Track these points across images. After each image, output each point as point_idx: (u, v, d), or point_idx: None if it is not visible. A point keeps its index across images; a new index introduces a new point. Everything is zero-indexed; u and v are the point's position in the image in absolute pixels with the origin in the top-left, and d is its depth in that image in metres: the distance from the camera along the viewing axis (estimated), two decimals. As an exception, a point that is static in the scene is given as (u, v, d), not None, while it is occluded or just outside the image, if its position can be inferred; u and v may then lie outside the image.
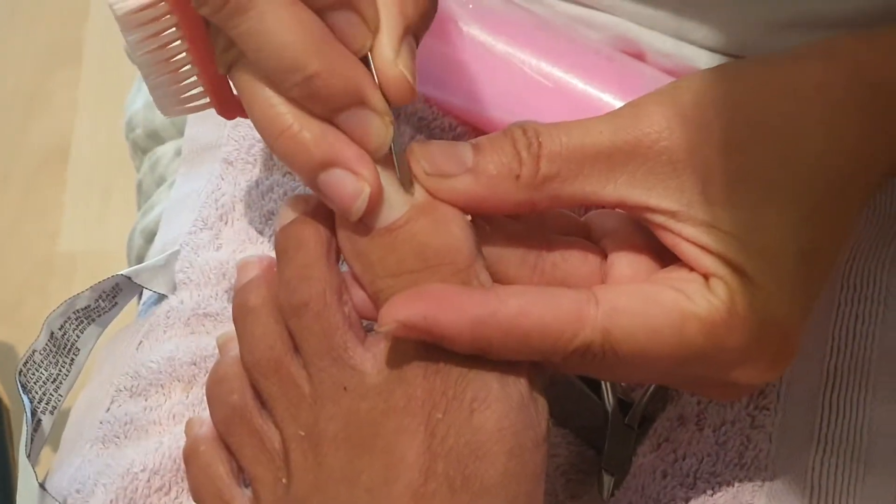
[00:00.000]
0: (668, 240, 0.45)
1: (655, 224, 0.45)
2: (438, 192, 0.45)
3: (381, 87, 0.44)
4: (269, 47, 0.43)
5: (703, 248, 0.44)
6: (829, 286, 0.56)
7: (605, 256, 0.48)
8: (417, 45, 0.46)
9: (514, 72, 0.65)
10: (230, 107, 0.51)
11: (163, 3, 0.47)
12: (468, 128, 0.68)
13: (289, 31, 0.42)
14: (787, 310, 0.44)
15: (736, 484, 0.53)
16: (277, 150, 0.44)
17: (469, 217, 0.45)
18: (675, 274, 0.45)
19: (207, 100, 0.51)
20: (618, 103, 0.63)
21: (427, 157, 0.45)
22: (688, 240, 0.44)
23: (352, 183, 0.43)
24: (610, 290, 0.44)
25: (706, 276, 0.44)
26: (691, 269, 0.44)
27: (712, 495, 0.53)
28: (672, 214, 0.44)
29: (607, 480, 0.55)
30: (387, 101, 0.44)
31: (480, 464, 0.43)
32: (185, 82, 0.50)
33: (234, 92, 0.48)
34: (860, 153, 0.46)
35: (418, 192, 0.45)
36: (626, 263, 0.47)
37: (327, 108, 0.44)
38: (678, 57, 0.64)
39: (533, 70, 0.65)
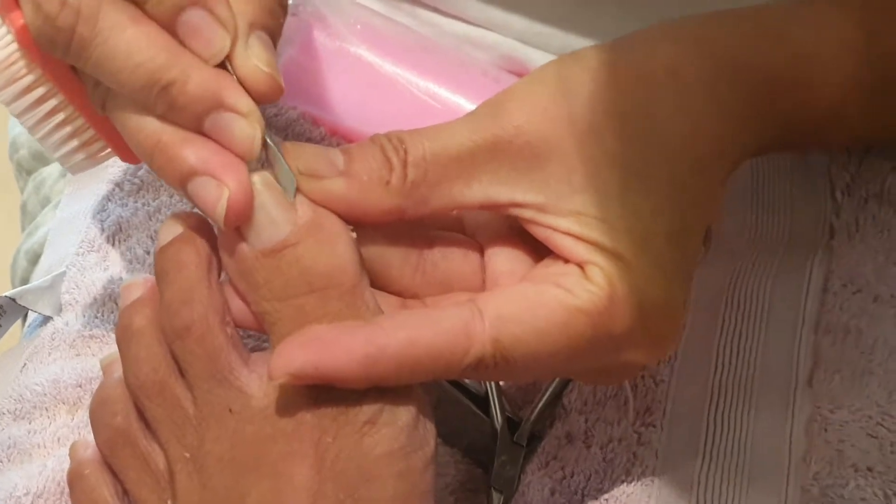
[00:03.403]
0: (540, 233, 0.45)
1: (525, 219, 0.45)
2: (312, 194, 0.44)
3: (244, 87, 0.44)
4: (122, 70, 0.43)
5: (574, 236, 0.44)
6: (714, 304, 0.57)
7: (482, 251, 0.48)
8: (275, 44, 0.46)
9: (402, 92, 0.66)
10: (129, 150, 0.50)
11: (21, 60, 0.46)
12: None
13: (137, 50, 0.42)
14: (665, 289, 0.44)
15: (623, 500, 0.53)
16: (153, 167, 0.44)
17: (353, 233, 0.45)
18: (552, 269, 0.45)
19: (108, 148, 0.51)
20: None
21: (300, 155, 0.44)
22: (558, 230, 0.44)
23: (213, 189, 0.43)
24: (493, 298, 0.44)
25: (582, 266, 0.44)
26: (566, 260, 0.45)
27: (599, 511, 0.53)
28: (539, 207, 0.44)
29: (496, 498, 0.56)
30: (255, 100, 0.44)
31: (370, 486, 0.43)
32: (80, 136, 0.50)
33: None
34: (721, 134, 0.46)
35: (303, 209, 0.44)
36: (503, 259, 0.47)
37: (191, 116, 0.43)
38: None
39: (420, 91, 0.65)
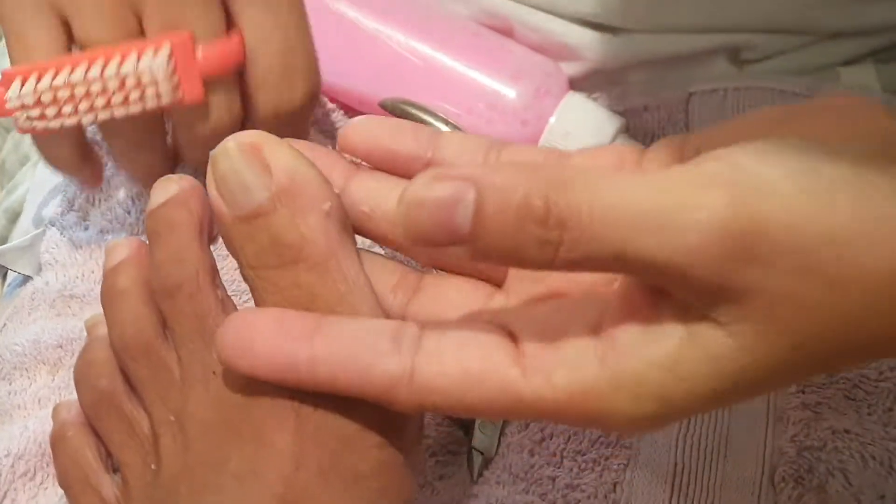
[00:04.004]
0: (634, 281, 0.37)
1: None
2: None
3: None
4: None
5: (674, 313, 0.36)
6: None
7: None
8: None
9: (383, 48, 0.65)
10: None
11: None
12: (338, 104, 0.68)
13: None
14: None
15: (602, 462, 0.54)
16: None
17: (328, 205, 0.42)
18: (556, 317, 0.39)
19: None
20: (484, 79, 0.64)
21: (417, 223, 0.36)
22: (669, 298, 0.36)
23: None
24: (432, 362, 0.38)
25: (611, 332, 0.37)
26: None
27: (579, 473, 0.54)
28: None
29: (477, 459, 0.56)
30: None
31: (352, 456, 0.43)
32: None
33: None
34: None
35: (279, 176, 0.42)
36: None
37: None
38: (546, 32, 0.65)
39: (401, 47, 0.65)
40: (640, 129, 0.65)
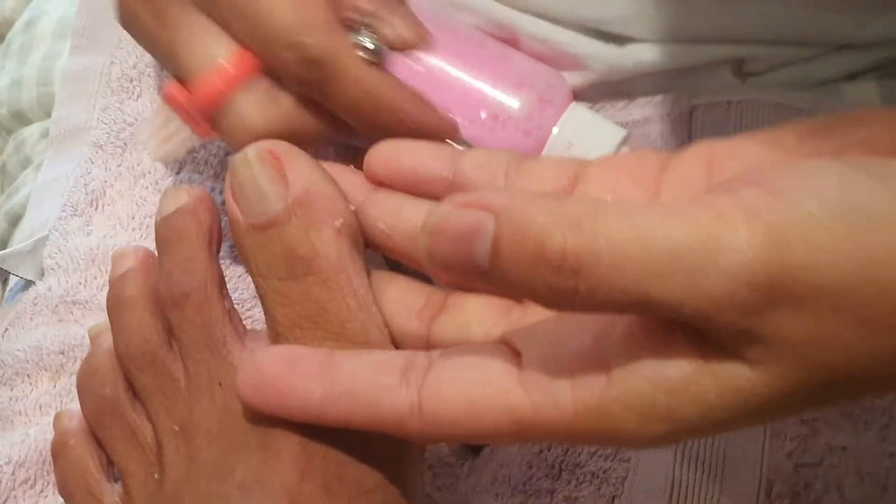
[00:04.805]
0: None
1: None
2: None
3: None
4: None
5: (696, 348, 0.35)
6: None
7: None
8: None
9: (386, 55, 0.65)
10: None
11: None
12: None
13: None
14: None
15: (600, 475, 0.54)
16: None
17: (341, 221, 0.43)
18: (561, 349, 0.38)
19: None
20: (488, 90, 0.64)
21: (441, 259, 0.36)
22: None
23: None
24: (437, 394, 0.38)
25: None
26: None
27: (577, 486, 0.54)
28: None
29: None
30: None
31: (357, 466, 0.43)
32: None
33: None
34: None
35: (296, 187, 0.43)
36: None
37: None
38: (552, 41, 0.65)
39: (404, 54, 0.65)
40: (643, 140, 0.65)
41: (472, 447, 0.58)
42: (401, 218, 0.46)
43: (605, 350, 0.36)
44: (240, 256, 0.44)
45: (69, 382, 0.57)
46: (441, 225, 0.35)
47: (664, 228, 0.33)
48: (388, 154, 0.47)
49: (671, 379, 0.35)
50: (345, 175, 0.47)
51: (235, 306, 0.47)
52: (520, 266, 0.33)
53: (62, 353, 0.59)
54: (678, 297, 0.33)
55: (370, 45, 0.53)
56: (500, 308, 0.44)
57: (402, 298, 0.45)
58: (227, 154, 0.65)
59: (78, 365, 0.58)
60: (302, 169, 0.43)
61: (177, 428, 0.45)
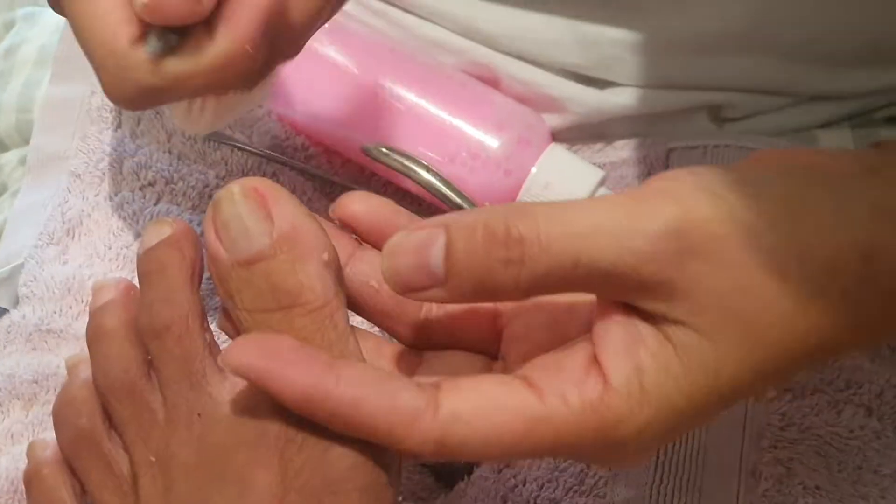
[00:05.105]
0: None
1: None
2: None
3: None
4: None
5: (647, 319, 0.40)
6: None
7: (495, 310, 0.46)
8: None
9: (367, 93, 0.66)
10: None
11: None
12: (320, 148, 0.68)
13: None
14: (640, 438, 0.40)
15: (575, 511, 0.54)
16: None
17: (327, 255, 0.43)
18: (550, 359, 0.41)
19: None
20: (469, 129, 0.64)
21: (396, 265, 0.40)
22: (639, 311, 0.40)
23: None
24: (456, 391, 0.40)
25: (606, 373, 0.39)
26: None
27: (552, 522, 0.54)
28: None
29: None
30: None
31: (335, 499, 0.43)
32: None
33: None
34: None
35: (280, 223, 0.43)
36: (518, 325, 0.45)
37: None
38: (532, 83, 0.66)
39: (386, 92, 0.66)
40: (620, 182, 0.66)
41: (446, 481, 0.58)
42: None
43: (598, 361, 0.40)
44: (219, 291, 0.44)
45: (42, 412, 0.57)
46: (400, 244, 0.39)
47: (588, 206, 0.39)
48: (368, 203, 0.48)
49: (644, 359, 0.39)
50: (330, 229, 0.47)
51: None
52: (472, 255, 0.38)
53: (35, 382, 0.58)
54: (605, 255, 0.38)
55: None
56: (479, 364, 0.46)
57: (377, 349, 0.47)
58: (206, 186, 0.65)
59: (51, 394, 0.58)
60: (287, 205, 0.43)
61: (153, 459, 0.45)
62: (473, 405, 0.40)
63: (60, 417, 0.48)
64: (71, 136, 0.66)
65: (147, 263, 0.46)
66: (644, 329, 0.39)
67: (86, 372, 0.48)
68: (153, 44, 0.44)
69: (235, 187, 0.43)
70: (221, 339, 0.57)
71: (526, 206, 0.39)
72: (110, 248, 0.62)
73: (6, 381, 0.58)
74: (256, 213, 0.43)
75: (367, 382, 0.40)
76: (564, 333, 0.43)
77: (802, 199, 0.39)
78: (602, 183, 0.64)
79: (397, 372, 0.43)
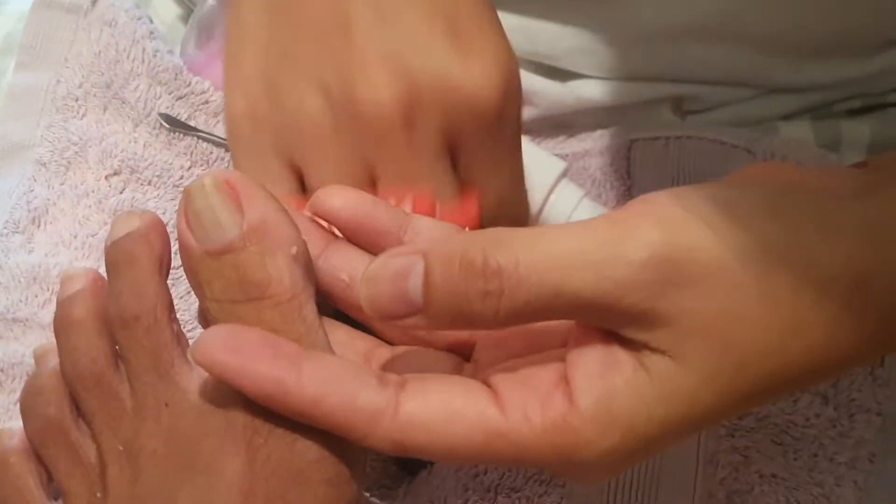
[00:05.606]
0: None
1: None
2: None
3: None
4: None
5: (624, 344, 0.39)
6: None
7: None
8: None
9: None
10: None
11: None
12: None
13: None
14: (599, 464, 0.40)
15: (535, 500, 0.54)
16: None
17: (295, 248, 0.44)
18: (521, 374, 0.41)
19: None
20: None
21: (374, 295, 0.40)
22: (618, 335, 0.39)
23: None
24: (417, 395, 0.40)
25: (572, 393, 0.39)
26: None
27: (514, 511, 0.55)
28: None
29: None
30: None
31: (301, 489, 0.43)
32: None
33: None
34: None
35: (251, 214, 0.43)
36: None
37: None
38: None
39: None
40: (582, 173, 0.67)
41: (409, 469, 0.59)
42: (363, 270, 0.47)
43: (568, 380, 0.39)
44: (190, 281, 0.45)
45: (7, 400, 0.57)
46: (378, 272, 0.39)
47: (568, 233, 0.38)
48: (346, 197, 0.48)
49: (618, 384, 0.38)
50: (304, 222, 0.47)
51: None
52: (450, 285, 0.38)
53: (1, 371, 0.58)
54: (588, 286, 0.37)
55: None
56: (451, 363, 0.46)
57: (349, 343, 0.48)
58: (171, 176, 0.65)
59: (17, 382, 0.58)
60: (257, 199, 0.43)
61: (121, 448, 0.45)
62: (433, 412, 0.40)
63: (28, 406, 0.49)
64: (36, 124, 0.66)
65: (116, 254, 0.47)
66: (621, 355, 0.39)
67: (54, 361, 0.48)
68: None
69: (207, 179, 0.43)
70: (185, 327, 0.57)
71: (504, 235, 0.38)
72: (76, 237, 0.62)
73: (-30, 369, 0.58)
74: (227, 205, 0.43)
75: (330, 380, 0.41)
76: (539, 344, 0.44)
77: (793, 226, 0.38)
78: (564, 174, 0.64)
79: (365, 366, 0.43)
